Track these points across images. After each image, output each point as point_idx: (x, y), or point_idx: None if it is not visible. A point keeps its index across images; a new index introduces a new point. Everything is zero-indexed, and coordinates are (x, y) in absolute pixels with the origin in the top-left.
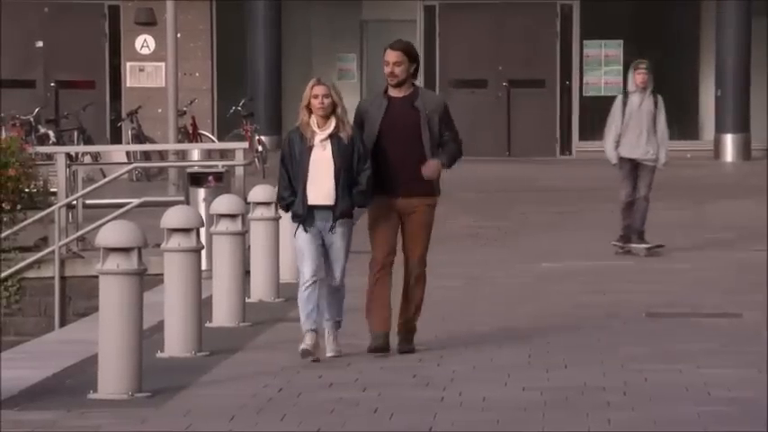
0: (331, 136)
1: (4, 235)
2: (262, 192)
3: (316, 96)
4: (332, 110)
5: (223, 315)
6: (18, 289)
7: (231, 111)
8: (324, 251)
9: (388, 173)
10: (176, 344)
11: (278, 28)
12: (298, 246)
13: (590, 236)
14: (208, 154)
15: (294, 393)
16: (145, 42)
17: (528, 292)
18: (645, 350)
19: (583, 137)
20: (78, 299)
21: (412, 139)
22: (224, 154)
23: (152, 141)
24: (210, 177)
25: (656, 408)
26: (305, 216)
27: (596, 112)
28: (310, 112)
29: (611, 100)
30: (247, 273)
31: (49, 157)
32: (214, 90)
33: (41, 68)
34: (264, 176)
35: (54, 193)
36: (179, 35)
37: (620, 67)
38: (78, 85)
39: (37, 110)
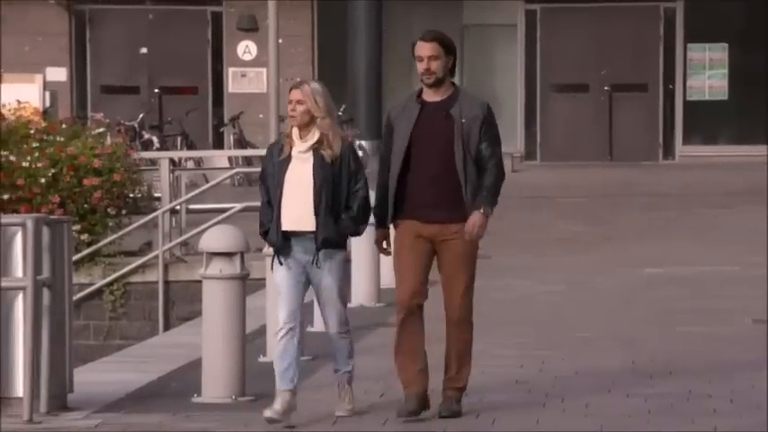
0: (314, 148)
1: (109, 240)
2: None
3: (290, 102)
4: (309, 119)
5: None
6: (123, 293)
7: None
8: (314, 291)
9: (417, 193)
10: None
11: (379, 32)
12: (276, 282)
13: (693, 241)
14: None
15: (395, 398)
16: (247, 48)
17: (630, 298)
18: (751, 357)
19: (686, 141)
20: (182, 303)
21: (445, 155)
22: None
23: (254, 146)
24: None
25: (764, 415)
26: (279, 245)
27: (700, 117)
28: None
29: (715, 104)
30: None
31: (153, 162)
32: None
33: (146, 75)
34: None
35: (158, 198)
36: (280, 41)
37: (725, 71)
38: (181, 91)
39: (141, 116)
